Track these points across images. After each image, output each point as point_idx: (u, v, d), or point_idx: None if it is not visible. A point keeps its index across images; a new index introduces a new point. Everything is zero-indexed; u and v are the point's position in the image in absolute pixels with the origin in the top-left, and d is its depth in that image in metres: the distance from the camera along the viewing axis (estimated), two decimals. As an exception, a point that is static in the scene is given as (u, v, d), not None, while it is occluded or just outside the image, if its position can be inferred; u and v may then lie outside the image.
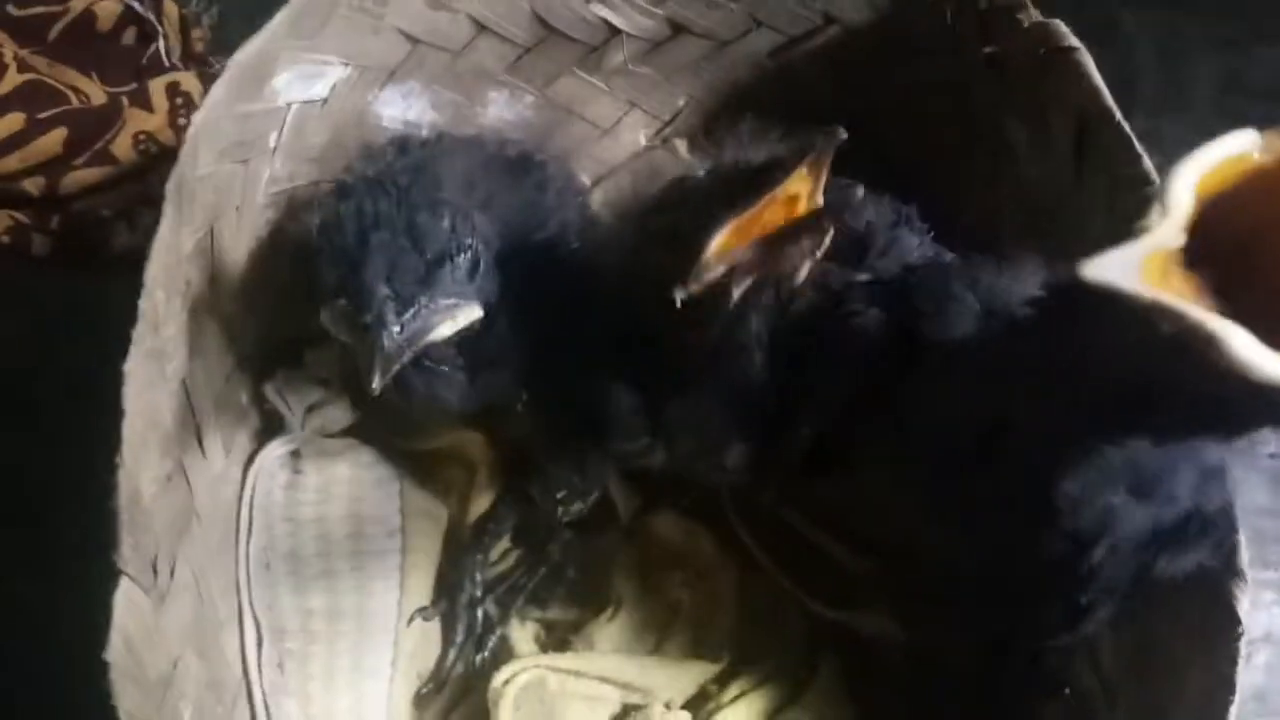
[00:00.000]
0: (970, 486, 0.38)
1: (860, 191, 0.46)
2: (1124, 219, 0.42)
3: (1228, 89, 0.76)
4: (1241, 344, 0.25)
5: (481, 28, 0.51)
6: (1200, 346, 0.26)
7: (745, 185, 0.38)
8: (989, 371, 0.37)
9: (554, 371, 0.45)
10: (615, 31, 0.53)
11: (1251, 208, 0.28)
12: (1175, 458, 0.33)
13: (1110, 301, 0.28)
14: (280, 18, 0.45)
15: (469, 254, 0.41)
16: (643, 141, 0.61)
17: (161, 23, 0.70)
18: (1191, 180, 0.28)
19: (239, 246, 0.49)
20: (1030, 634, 0.43)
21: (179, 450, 0.43)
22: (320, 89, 0.50)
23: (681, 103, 0.60)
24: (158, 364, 0.41)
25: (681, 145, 0.61)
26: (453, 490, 0.56)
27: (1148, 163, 0.43)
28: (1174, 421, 0.31)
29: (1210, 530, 0.35)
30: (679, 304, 0.37)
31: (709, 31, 0.54)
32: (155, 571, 0.38)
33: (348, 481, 0.53)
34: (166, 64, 0.70)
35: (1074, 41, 0.46)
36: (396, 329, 0.39)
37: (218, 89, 0.44)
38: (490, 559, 0.56)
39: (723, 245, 0.37)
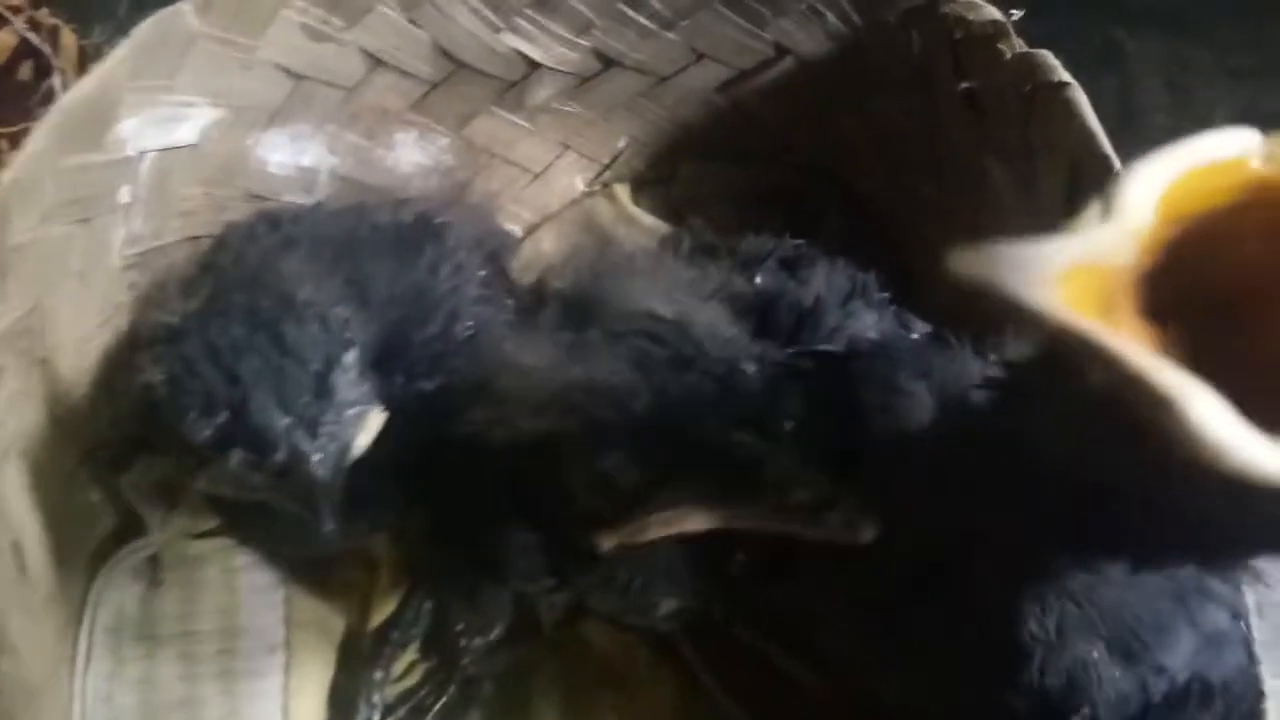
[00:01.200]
0: (917, 621, 0.30)
1: (812, 256, 0.39)
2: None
3: (1243, 122, 0.68)
4: (1206, 412, 0.17)
5: (376, 62, 0.44)
6: (1149, 414, 0.17)
7: (723, 483, 0.32)
8: (937, 479, 0.29)
9: (438, 498, 0.38)
10: (534, 65, 0.46)
11: (1244, 240, 0.20)
12: (1170, 618, 0.26)
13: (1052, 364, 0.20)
14: (118, 56, 0.38)
15: (353, 351, 0.35)
16: (579, 186, 0.54)
17: (58, 55, 0.63)
18: (1155, 181, 0.19)
19: (85, 319, 0.42)
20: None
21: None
22: (185, 134, 0.43)
23: (621, 144, 0.52)
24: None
25: (623, 192, 0.54)
26: (350, 594, 0.48)
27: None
28: (1133, 537, 0.23)
29: (1212, 701, 0.28)
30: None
31: (644, 65, 0.47)
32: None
33: (218, 590, 0.45)
34: (63, 100, 0.63)
35: (1064, 76, 0.38)
36: (318, 456, 0.33)
37: (36, 141, 0.37)
38: (393, 674, 0.49)
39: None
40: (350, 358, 0.35)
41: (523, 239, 0.55)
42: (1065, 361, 0.19)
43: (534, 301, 0.42)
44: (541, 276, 0.46)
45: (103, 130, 0.39)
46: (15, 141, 0.59)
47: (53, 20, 0.64)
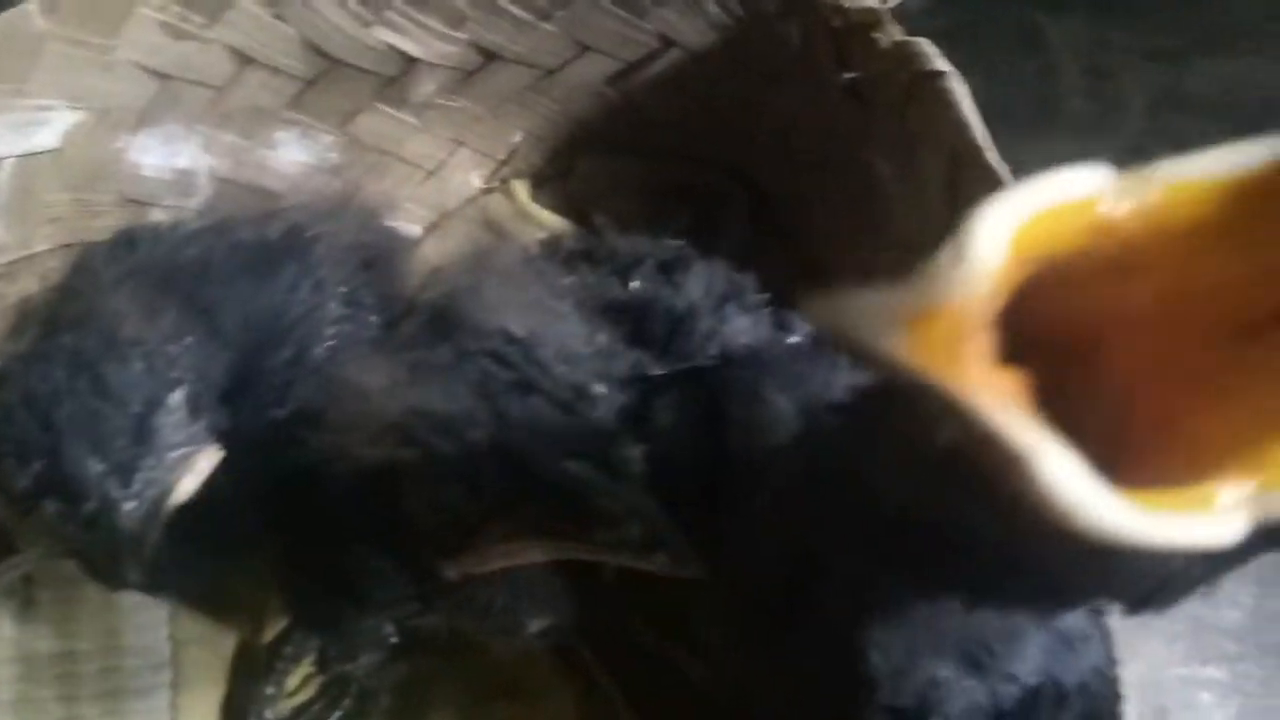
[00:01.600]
0: (782, 640, 0.30)
1: (689, 258, 0.38)
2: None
3: (1163, 105, 0.67)
4: (1056, 471, 0.16)
5: (245, 59, 0.43)
6: (996, 468, 0.17)
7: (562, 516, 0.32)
8: (787, 503, 0.28)
9: (290, 529, 0.38)
10: (411, 60, 0.44)
11: (1092, 282, 0.19)
12: (1020, 624, 0.26)
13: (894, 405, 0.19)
14: (-38, 61, 0.36)
15: (182, 391, 0.34)
16: (476, 183, 0.53)
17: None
18: (1005, 222, 0.18)
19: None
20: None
21: None
22: (46, 138, 0.41)
23: (516, 139, 0.51)
24: None
25: (522, 189, 0.53)
26: (240, 610, 0.47)
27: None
28: (974, 581, 0.22)
29: (1066, 704, 0.27)
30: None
31: (526, 58, 0.46)
32: None
33: (98, 608, 0.44)
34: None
35: (942, 65, 0.37)
36: (131, 504, 0.32)
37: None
38: (286, 688, 0.47)
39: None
40: (176, 398, 0.34)
41: (421, 238, 0.53)
42: (909, 407, 0.19)
43: (406, 312, 0.41)
44: (420, 283, 0.45)
45: (-50, 138, 0.38)
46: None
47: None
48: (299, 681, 0.48)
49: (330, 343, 0.38)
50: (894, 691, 0.27)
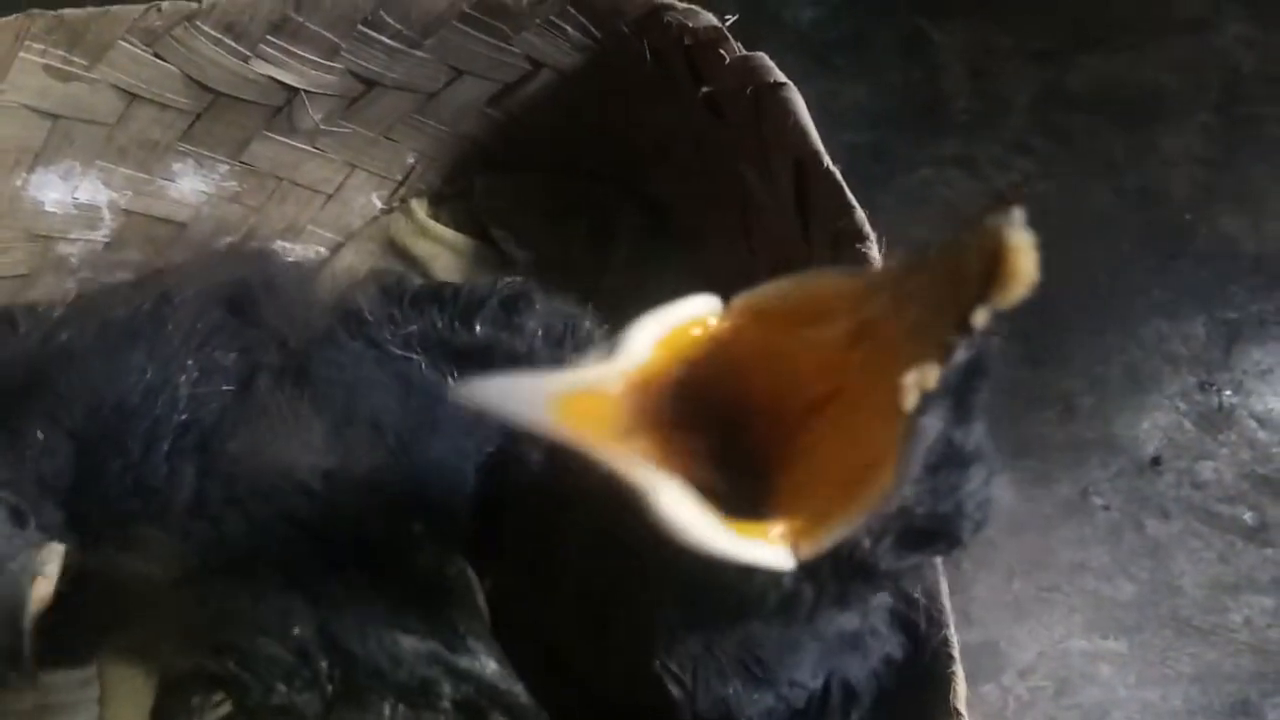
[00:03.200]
0: (593, 652, 0.32)
1: (530, 296, 0.40)
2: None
3: (1046, 102, 0.70)
4: (668, 499, 0.23)
5: (132, 96, 0.45)
6: (632, 503, 0.23)
7: None
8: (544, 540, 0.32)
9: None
10: (293, 90, 0.46)
11: (727, 371, 0.27)
12: (794, 637, 0.29)
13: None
14: None
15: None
16: (377, 203, 0.55)
17: None
18: (650, 334, 0.26)
19: None
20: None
21: None
22: (-58, 179, 0.43)
23: (411, 160, 0.53)
24: None
25: (420, 207, 0.55)
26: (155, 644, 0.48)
27: (860, 215, 0.37)
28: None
29: (857, 700, 0.31)
30: None
31: (405, 84, 0.48)
32: None
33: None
34: None
35: (780, 76, 0.40)
36: None
37: None
38: (213, 698, 0.49)
39: None
40: None
41: (326, 260, 0.55)
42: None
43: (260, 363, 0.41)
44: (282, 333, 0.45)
45: None
46: None
47: None
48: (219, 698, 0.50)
49: (183, 416, 0.38)
50: (695, 710, 0.30)
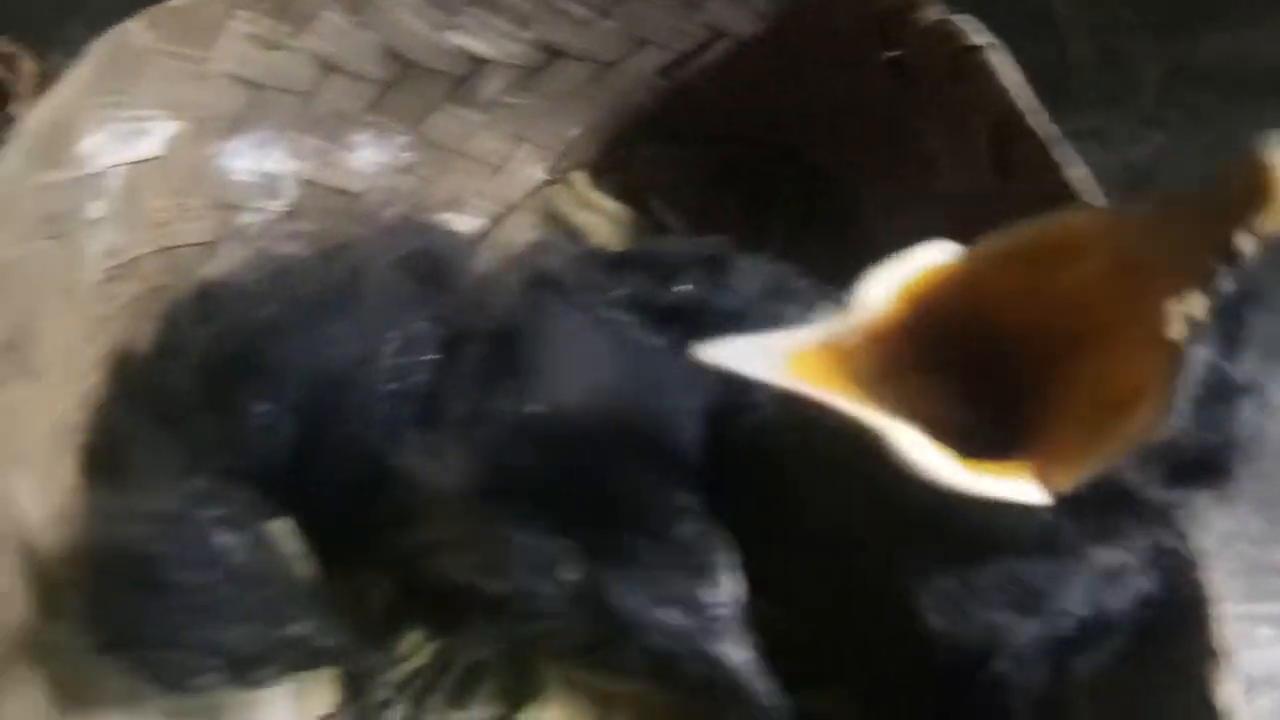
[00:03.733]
0: (851, 589, 0.33)
1: (729, 257, 0.40)
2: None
3: (1174, 78, 0.70)
4: (904, 442, 0.24)
5: (329, 67, 0.46)
6: (873, 450, 0.25)
7: None
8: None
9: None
10: (481, 61, 0.47)
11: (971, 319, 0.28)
12: (1061, 567, 0.29)
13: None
14: (76, 75, 0.40)
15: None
16: (540, 176, 0.56)
17: (17, 81, 0.64)
18: (886, 284, 0.27)
19: (71, 334, 0.43)
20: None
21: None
22: (151, 146, 0.45)
23: (575, 132, 0.54)
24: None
25: (581, 179, 0.56)
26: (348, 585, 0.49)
27: (1074, 170, 0.38)
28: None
29: (1117, 632, 0.31)
30: None
31: (588, 54, 0.49)
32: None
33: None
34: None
35: (981, 39, 0.40)
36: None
37: (9, 161, 0.38)
38: (401, 653, 0.50)
39: None
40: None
41: (486, 232, 0.56)
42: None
43: (464, 329, 0.41)
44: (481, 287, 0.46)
45: (66, 148, 0.41)
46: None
47: (8, 48, 0.65)
48: (411, 647, 0.51)
49: (391, 387, 0.39)
50: (956, 641, 0.30)
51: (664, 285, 0.40)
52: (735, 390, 0.36)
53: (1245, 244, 0.22)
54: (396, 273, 0.42)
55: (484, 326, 0.40)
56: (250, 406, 0.38)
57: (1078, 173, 0.37)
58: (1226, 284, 0.23)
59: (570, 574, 0.32)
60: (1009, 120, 0.40)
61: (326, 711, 0.48)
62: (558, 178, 0.56)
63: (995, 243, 0.29)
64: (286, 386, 0.38)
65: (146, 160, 0.45)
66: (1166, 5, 0.73)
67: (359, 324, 0.39)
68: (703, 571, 0.33)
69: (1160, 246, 0.25)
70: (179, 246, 0.48)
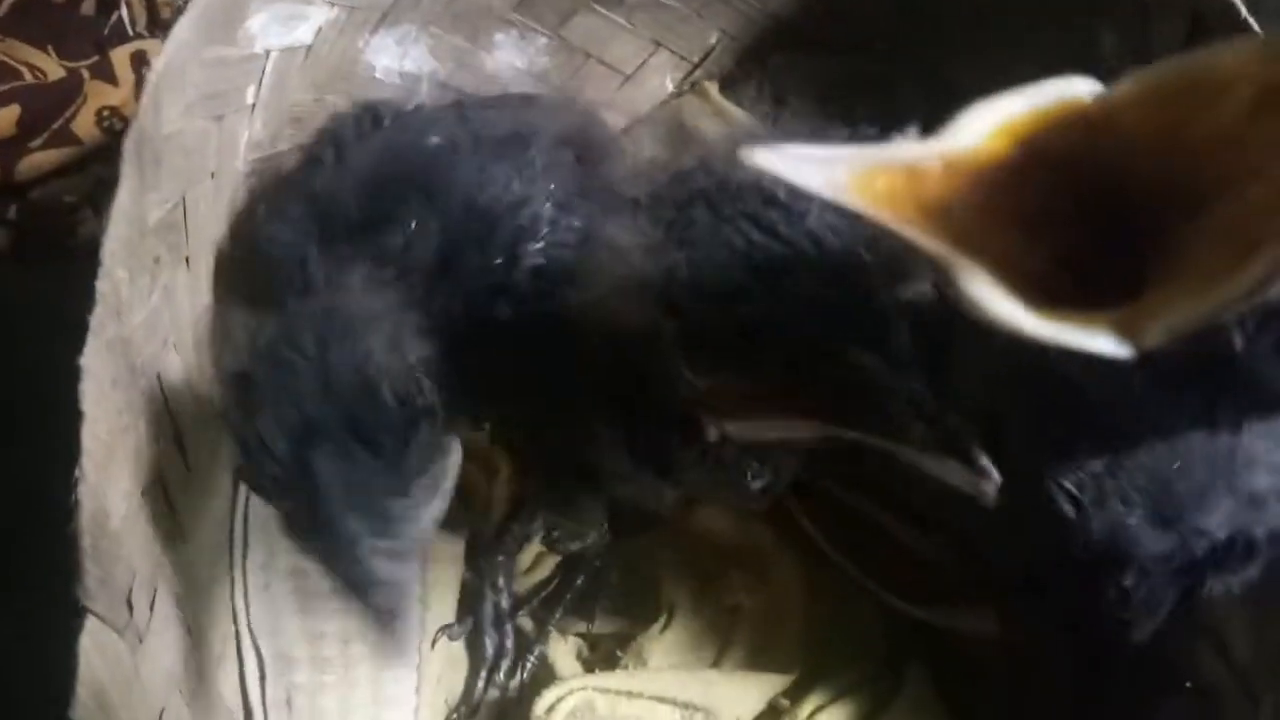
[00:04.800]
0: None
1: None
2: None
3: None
4: (973, 279, 0.23)
5: (486, -45, 0.44)
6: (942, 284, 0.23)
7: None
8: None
9: (523, 407, 0.38)
10: (635, -45, 0.46)
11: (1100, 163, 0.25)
12: (1207, 483, 0.28)
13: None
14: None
15: (426, 421, 0.33)
16: (670, 86, 0.55)
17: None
18: (989, 119, 0.25)
19: (215, 222, 0.42)
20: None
21: (157, 459, 0.36)
22: (304, 33, 0.44)
23: (713, 40, 0.53)
24: (124, 357, 0.34)
25: (713, 88, 0.55)
26: (474, 495, 0.49)
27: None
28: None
29: (1256, 553, 0.30)
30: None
31: (744, -47, 0.47)
32: (131, 607, 0.31)
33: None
34: (131, 33, 0.63)
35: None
36: (385, 570, 0.31)
37: (181, 29, 0.37)
38: (521, 566, 0.50)
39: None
40: (424, 431, 0.33)
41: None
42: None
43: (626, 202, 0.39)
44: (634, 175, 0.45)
45: (236, 24, 0.40)
46: (95, 72, 0.60)
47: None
48: (531, 560, 0.50)
49: (541, 244, 0.37)
50: (1085, 532, 0.29)
51: None
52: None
53: None
54: (557, 141, 0.40)
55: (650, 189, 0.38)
56: (408, 221, 0.36)
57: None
58: None
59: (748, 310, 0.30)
60: (1207, 12, 0.38)
61: (448, 622, 0.48)
62: (685, 90, 0.55)
63: (1131, 83, 0.26)
64: (442, 207, 0.37)
65: (297, 48, 0.44)
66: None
67: (522, 171, 0.38)
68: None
69: None
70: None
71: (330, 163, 0.39)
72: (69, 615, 0.30)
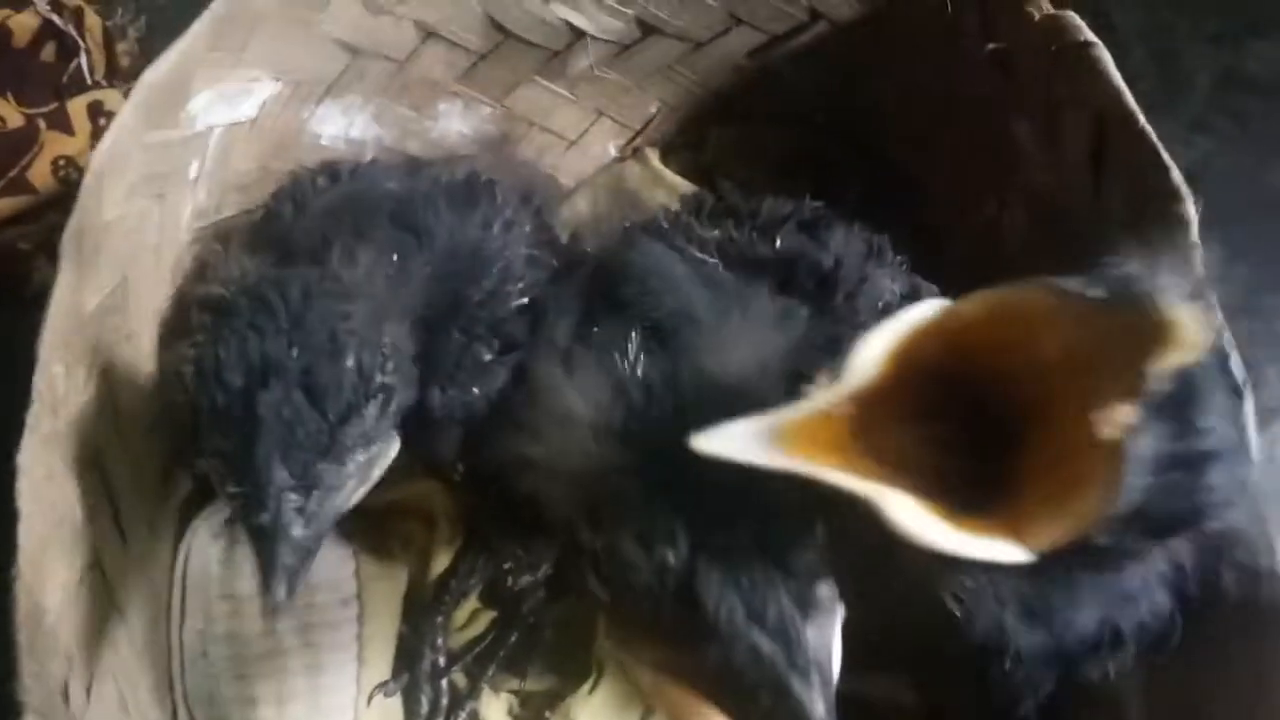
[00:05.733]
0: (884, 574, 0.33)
1: (830, 219, 0.41)
2: (1147, 232, 0.38)
3: (1224, 86, 0.71)
4: (897, 510, 0.25)
5: (429, 34, 0.46)
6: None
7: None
8: None
9: (489, 444, 0.38)
10: (579, 34, 0.48)
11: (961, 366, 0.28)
12: (1079, 586, 0.30)
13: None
14: (197, 30, 0.39)
15: (379, 398, 0.34)
16: (612, 152, 0.56)
17: (83, 37, 0.64)
18: (877, 348, 0.27)
19: (158, 293, 0.43)
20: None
21: (94, 543, 0.37)
22: (248, 108, 0.45)
23: (653, 110, 0.55)
24: (59, 450, 0.35)
25: (654, 155, 0.56)
26: (411, 546, 0.50)
27: (1176, 175, 0.38)
28: None
29: (1124, 647, 0.32)
30: None
31: (682, 32, 0.49)
32: (67, 698, 0.32)
33: (293, 548, 0.47)
34: (89, 81, 0.63)
35: (1090, 36, 0.41)
36: (298, 529, 0.31)
37: (126, 116, 0.38)
38: (457, 622, 0.51)
39: None
40: (374, 406, 0.34)
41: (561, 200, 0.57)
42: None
43: (570, 261, 0.42)
44: (575, 234, 0.47)
45: (179, 106, 0.41)
46: (51, 121, 0.60)
47: (75, 1, 0.64)
48: (467, 616, 0.51)
49: (522, 284, 0.39)
50: (969, 628, 0.31)
51: (760, 237, 0.40)
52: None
53: (1155, 377, 0.24)
54: (514, 193, 0.42)
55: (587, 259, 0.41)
56: (385, 254, 0.37)
57: (1177, 175, 0.38)
58: (1161, 386, 0.24)
59: (672, 557, 0.31)
60: (1112, 116, 0.40)
61: (384, 678, 0.49)
62: (628, 155, 0.57)
63: (975, 301, 0.28)
64: (431, 247, 0.38)
65: (242, 122, 0.45)
66: (1219, 15, 0.74)
67: (496, 217, 0.40)
68: (807, 605, 0.32)
69: (1096, 349, 0.26)
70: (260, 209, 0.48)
71: (289, 214, 0.40)
72: (11, 713, 0.30)
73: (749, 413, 0.27)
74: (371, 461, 0.34)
